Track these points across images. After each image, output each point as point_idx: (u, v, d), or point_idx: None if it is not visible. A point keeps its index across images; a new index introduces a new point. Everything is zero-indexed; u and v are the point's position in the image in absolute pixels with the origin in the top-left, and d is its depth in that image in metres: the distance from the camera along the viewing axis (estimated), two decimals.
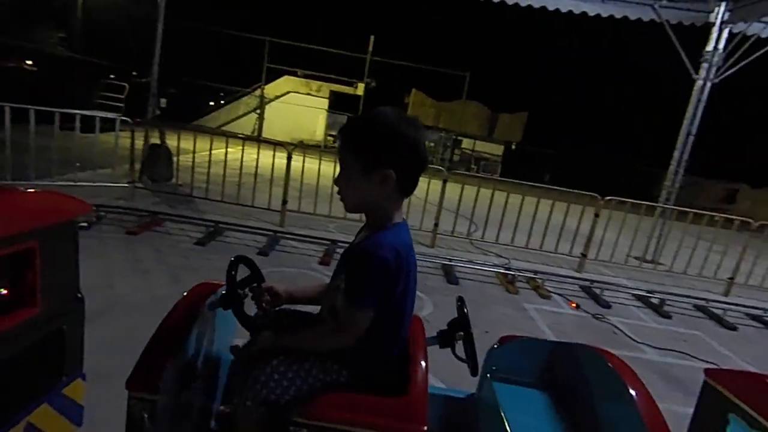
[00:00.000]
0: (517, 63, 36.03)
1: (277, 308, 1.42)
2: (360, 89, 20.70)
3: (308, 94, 21.42)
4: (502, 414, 1.43)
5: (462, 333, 1.43)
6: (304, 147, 8.17)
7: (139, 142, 6.39)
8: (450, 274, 4.97)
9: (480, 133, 21.07)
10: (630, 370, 1.38)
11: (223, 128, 19.19)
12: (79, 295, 1.71)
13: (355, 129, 1.22)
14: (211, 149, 6.03)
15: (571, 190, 6.30)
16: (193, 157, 6.16)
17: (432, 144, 20.09)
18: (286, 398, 1.19)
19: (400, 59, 20.67)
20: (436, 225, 6.09)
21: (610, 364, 1.39)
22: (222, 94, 23.64)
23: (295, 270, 4.41)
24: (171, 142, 7.06)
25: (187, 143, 6.26)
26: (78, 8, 18.00)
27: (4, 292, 1.38)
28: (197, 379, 1.32)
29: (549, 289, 5.02)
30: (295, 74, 21.91)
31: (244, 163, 5.96)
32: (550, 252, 6.05)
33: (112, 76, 16.37)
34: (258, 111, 21.10)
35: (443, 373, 2.51)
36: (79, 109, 6.17)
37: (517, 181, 6.50)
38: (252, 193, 5.96)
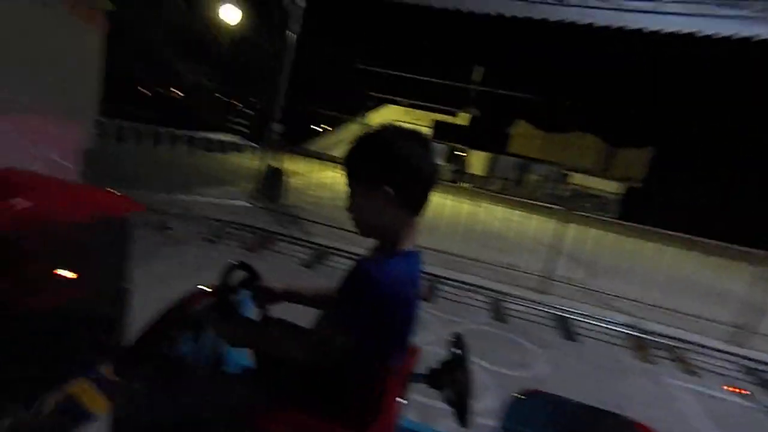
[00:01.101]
0: (641, 92, 32.59)
1: (271, 305, 1.45)
2: (463, 118, 20.56)
3: (410, 123, 21.80)
4: None
5: (452, 376, 1.29)
6: None
7: (258, 163, 6.83)
8: (566, 329, 4.39)
9: (593, 167, 19.40)
10: None
11: (329, 154, 20.28)
12: (126, 287, 1.87)
13: (351, 152, 1.19)
14: (319, 174, 6.20)
15: (721, 243, 5.30)
16: (304, 180, 6.39)
17: (537, 178, 19.02)
18: (242, 411, 1.19)
19: (508, 89, 20.22)
20: (549, 269, 5.51)
21: None
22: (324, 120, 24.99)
23: None
24: (284, 164, 7.46)
25: (297, 166, 6.53)
26: (219, 44, 20.58)
27: (61, 274, 1.57)
28: (185, 375, 1.35)
29: (695, 363, 4.15)
30: (398, 103, 22.52)
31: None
32: (694, 316, 5.08)
33: (237, 103, 18.27)
34: None
35: None
36: (213, 132, 6.82)
37: (650, 227, 5.66)
38: None
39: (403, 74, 20.54)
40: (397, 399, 1.17)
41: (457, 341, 1.34)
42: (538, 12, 6.44)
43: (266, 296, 1.44)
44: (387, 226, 1.19)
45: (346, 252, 5.32)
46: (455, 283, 5.06)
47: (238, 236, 5.25)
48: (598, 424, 1.31)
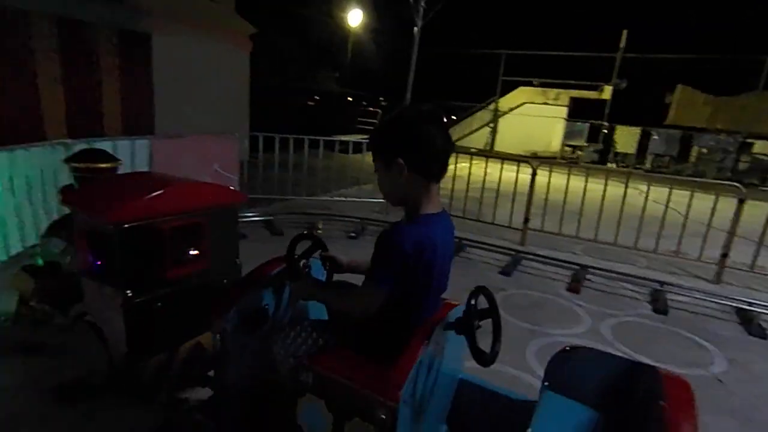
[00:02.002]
0: None
1: (336, 273, 1.71)
2: (606, 92, 18.53)
3: (544, 103, 20.38)
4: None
5: (478, 323, 1.42)
6: (546, 161, 7.68)
7: None
8: (751, 323, 3.77)
9: None
10: (686, 405, 1.13)
11: (457, 143, 20.11)
12: (238, 261, 2.36)
13: (374, 129, 1.42)
14: (455, 165, 6.21)
15: None
16: None
17: (705, 150, 16.10)
18: (303, 352, 1.46)
19: (661, 52, 17.62)
20: (724, 256, 4.74)
21: (663, 393, 1.16)
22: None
23: (540, 295, 4.09)
24: None
25: None
26: (348, 50, 21.96)
27: (194, 252, 2.12)
28: (266, 325, 1.66)
29: None
30: (530, 84, 21.23)
31: (481, 178, 5.96)
32: None
33: (364, 103, 19.25)
34: (491, 125, 21.30)
35: None
36: (344, 134, 7.41)
37: None
38: (492, 210, 5.88)
39: (535, 52, 19.30)
40: (422, 342, 1.35)
41: (478, 292, 1.45)
42: None
43: (331, 263, 1.69)
44: (407, 194, 1.36)
45: (482, 244, 5.34)
46: (608, 274, 4.72)
47: (375, 231, 5.62)
48: (633, 375, 1.35)
